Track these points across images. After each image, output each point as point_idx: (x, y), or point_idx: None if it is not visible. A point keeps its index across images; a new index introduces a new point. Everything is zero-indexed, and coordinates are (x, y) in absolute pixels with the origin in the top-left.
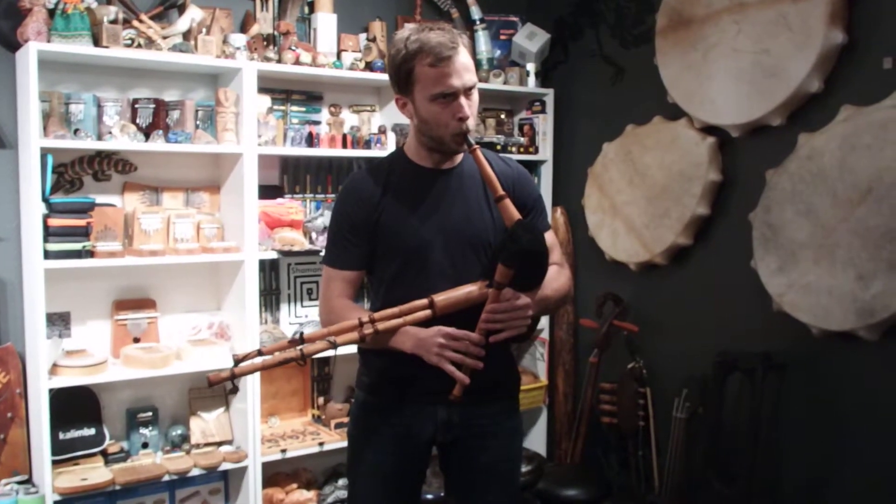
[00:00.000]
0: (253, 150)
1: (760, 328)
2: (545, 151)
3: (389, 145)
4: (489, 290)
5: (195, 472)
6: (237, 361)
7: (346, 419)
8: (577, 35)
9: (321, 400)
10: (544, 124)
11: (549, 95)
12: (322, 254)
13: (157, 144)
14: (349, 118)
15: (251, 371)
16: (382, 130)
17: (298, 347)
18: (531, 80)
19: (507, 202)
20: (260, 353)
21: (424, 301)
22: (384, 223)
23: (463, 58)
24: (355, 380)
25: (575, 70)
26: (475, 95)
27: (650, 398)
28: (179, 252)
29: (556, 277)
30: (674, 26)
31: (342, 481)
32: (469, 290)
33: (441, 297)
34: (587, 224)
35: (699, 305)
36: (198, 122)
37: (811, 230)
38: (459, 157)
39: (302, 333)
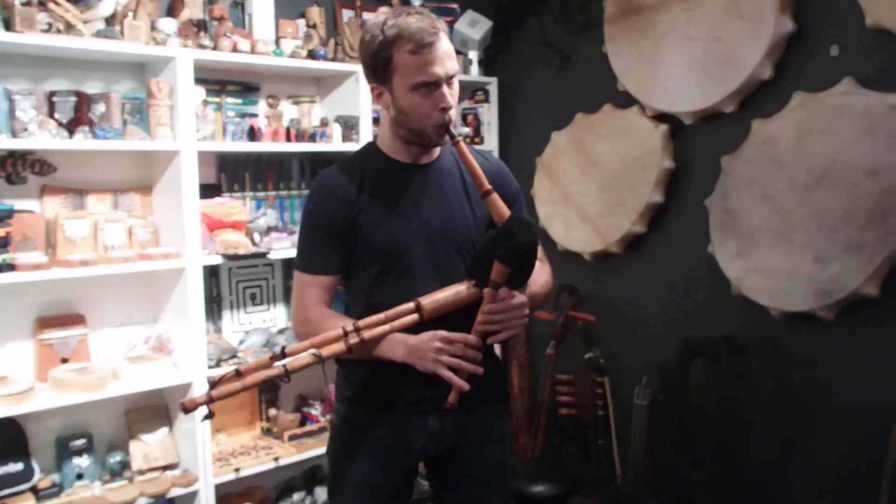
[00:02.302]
0: (191, 146)
1: (718, 312)
2: (490, 141)
3: (335, 138)
4: (484, 290)
5: (142, 501)
6: (213, 384)
7: (300, 430)
8: (519, 22)
9: (272, 411)
10: (489, 114)
11: (493, 84)
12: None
13: (85, 142)
14: (288, 110)
15: (231, 393)
16: (325, 123)
17: (281, 363)
18: (474, 68)
19: (495, 197)
20: (238, 373)
21: (411, 305)
22: (363, 223)
23: (444, 45)
24: (335, 393)
25: (519, 58)
26: (456, 85)
27: (608, 387)
28: (114, 261)
29: (540, 273)
30: (623, 14)
31: (297, 496)
32: (456, 290)
33: (428, 300)
34: (538, 215)
35: (656, 292)
36: (125, 117)
37: (769, 215)
38: (437, 152)
39: (284, 348)
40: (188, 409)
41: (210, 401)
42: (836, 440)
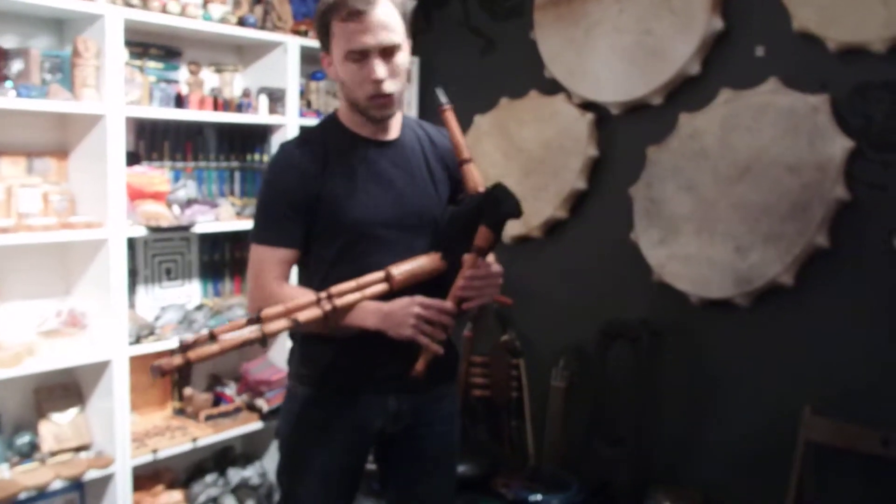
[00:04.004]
0: (119, 110)
1: (638, 297)
2: None
3: (261, 110)
4: (465, 256)
5: (57, 484)
6: (186, 346)
7: (215, 410)
8: (441, 3)
9: (187, 391)
10: (409, 93)
11: (415, 64)
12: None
13: (10, 100)
14: (209, 78)
15: (208, 356)
16: (247, 94)
17: (257, 327)
18: None
19: (472, 166)
20: (212, 336)
21: (381, 274)
22: (327, 197)
23: (381, 14)
24: (290, 371)
25: (441, 40)
26: (400, 58)
27: (524, 369)
28: (34, 228)
29: None
30: (555, 2)
31: (209, 477)
32: (425, 260)
33: (398, 270)
34: None
35: (575, 277)
36: (44, 75)
37: (692, 205)
38: (398, 128)
39: (259, 312)
40: (165, 371)
41: (187, 363)
42: (750, 422)
